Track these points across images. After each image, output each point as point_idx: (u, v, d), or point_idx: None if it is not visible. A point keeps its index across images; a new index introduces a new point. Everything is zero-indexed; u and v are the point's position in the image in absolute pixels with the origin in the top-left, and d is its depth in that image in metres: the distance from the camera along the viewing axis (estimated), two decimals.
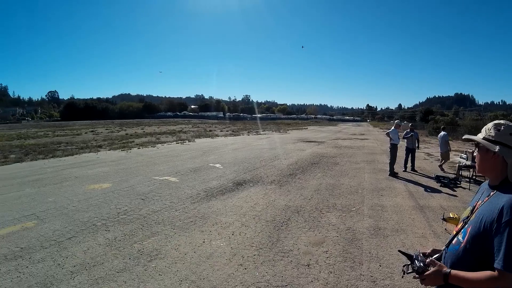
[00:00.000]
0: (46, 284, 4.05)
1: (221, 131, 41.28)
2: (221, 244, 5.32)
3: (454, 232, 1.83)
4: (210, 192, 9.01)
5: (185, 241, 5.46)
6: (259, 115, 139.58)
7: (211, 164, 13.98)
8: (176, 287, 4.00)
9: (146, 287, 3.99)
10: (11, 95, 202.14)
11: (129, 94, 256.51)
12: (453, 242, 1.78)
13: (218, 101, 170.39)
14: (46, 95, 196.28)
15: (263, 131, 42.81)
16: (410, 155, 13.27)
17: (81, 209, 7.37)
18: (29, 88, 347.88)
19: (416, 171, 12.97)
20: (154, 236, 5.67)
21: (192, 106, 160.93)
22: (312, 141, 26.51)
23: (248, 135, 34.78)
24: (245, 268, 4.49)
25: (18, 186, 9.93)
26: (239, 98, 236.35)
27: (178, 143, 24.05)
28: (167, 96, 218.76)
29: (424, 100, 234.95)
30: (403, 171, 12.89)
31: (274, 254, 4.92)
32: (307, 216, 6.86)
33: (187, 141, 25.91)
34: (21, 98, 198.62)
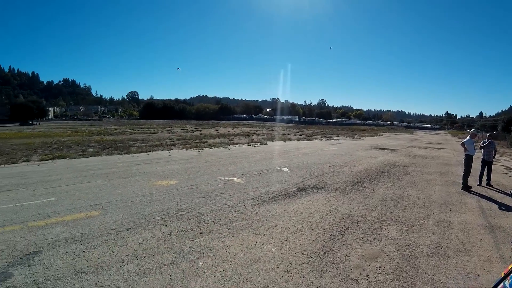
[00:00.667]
0: (97, 269, 4.51)
1: (294, 135, 41.67)
2: (272, 249, 5.39)
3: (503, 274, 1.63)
4: (272, 195, 9.15)
5: (237, 242, 5.64)
6: (334, 120, 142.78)
7: (278, 168, 14.21)
8: (217, 286, 4.16)
9: (189, 282, 4.21)
10: (94, 95, 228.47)
11: (206, 96, 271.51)
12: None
13: (294, 105, 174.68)
14: (126, 95, 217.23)
15: (336, 136, 42.49)
16: (486, 168, 12.29)
17: (144, 203, 8.02)
18: (111, 88, 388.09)
19: (492, 186, 11.97)
20: (208, 235, 5.96)
21: (268, 109, 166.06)
22: (385, 149, 25.82)
23: (321, 140, 34.68)
24: (291, 276, 4.48)
25: (90, 178, 11.17)
26: (314, 103, 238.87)
27: (250, 145, 24.83)
28: (243, 99, 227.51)
29: (507, 108, 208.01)
30: (478, 185, 12.03)
31: (324, 264, 4.85)
32: (366, 227, 6.65)
33: (259, 143, 26.62)
34: (103, 97, 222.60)
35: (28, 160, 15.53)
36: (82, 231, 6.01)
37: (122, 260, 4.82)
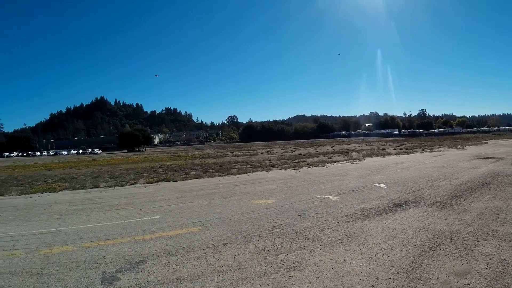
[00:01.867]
0: (195, 277, 5.11)
1: (394, 149, 39.94)
2: (360, 264, 5.48)
3: None
4: (367, 212, 9.11)
5: (326, 257, 5.85)
6: (436, 130, 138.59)
7: (375, 184, 13.96)
8: None
9: None
10: (195, 121, 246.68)
11: (303, 115, 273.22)
12: None
13: (393, 118, 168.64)
14: (226, 119, 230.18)
15: (438, 147, 39.63)
16: None
17: (242, 220, 8.67)
18: (211, 113, 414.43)
19: None
20: (299, 250, 6.28)
21: (366, 124, 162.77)
22: (490, 158, 23.42)
23: (422, 152, 32.72)
24: None
25: (193, 198, 12.34)
26: (414, 113, 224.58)
27: (348, 163, 24.59)
28: (341, 116, 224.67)
29: None
30: None
31: (410, 280, 4.82)
32: (459, 243, 6.31)
33: (357, 160, 26.23)
34: (203, 122, 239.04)
35: (135, 183, 17.63)
36: (183, 245, 6.80)
37: (218, 270, 5.40)
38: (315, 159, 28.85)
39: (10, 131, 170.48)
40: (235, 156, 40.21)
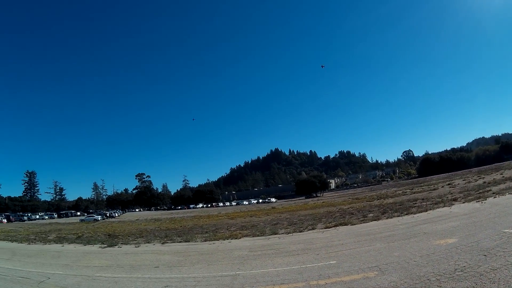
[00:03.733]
0: None
1: None
2: None
3: None
4: None
5: None
6: None
7: None
8: None
9: None
10: (370, 161, 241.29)
11: (483, 137, 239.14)
12: None
13: None
14: (401, 155, 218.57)
15: None
16: None
17: (420, 264, 8.28)
18: (385, 151, 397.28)
19: None
20: None
21: None
22: None
23: None
24: None
25: (370, 242, 12.14)
26: None
27: None
28: None
29: None
30: None
31: None
32: None
33: None
34: (378, 161, 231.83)
35: (313, 229, 18.05)
36: None
37: None
38: (501, 186, 25.55)
39: (195, 186, 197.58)
40: (414, 193, 37.84)
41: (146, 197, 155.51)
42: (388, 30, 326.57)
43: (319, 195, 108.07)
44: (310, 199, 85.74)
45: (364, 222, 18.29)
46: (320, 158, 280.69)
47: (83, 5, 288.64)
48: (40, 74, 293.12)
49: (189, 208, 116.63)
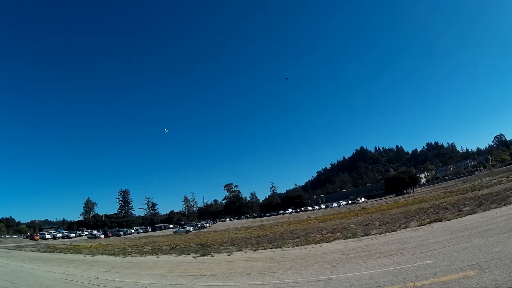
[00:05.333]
0: None
1: None
2: None
3: None
4: None
5: None
6: None
7: None
8: None
9: None
10: (459, 150, 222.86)
11: None
12: None
13: None
14: (493, 141, 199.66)
15: None
16: None
17: None
18: (474, 138, 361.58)
19: None
20: None
21: None
22: None
23: None
24: None
25: (467, 238, 11.36)
26: None
27: None
28: None
29: None
30: None
31: None
32: None
33: None
34: (469, 150, 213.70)
35: (406, 227, 17.27)
36: None
37: None
38: None
39: (283, 192, 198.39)
40: (511, 181, 34.22)
41: (235, 206, 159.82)
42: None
43: (409, 191, 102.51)
44: (400, 197, 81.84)
45: (459, 217, 17.12)
46: (407, 152, 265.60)
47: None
48: (128, 100, 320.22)
49: (278, 214, 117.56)
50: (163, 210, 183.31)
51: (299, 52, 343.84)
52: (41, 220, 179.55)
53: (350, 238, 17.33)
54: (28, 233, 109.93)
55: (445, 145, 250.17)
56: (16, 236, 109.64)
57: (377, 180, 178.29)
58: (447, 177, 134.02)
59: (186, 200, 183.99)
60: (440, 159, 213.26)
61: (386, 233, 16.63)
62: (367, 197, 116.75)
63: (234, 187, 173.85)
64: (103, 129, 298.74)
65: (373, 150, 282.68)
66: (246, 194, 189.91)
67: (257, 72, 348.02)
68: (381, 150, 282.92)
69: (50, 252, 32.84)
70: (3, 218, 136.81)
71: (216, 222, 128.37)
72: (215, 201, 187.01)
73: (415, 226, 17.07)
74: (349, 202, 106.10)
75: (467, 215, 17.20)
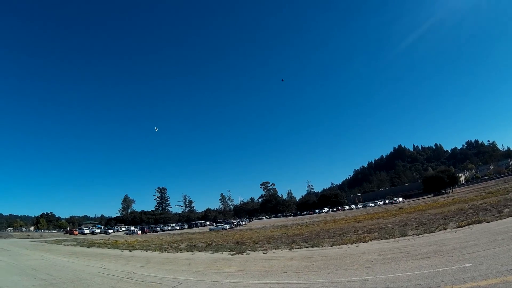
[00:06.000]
0: None
1: None
2: None
3: None
4: None
5: None
6: None
7: None
8: None
9: None
10: (500, 149, 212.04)
11: None
12: None
13: None
14: None
15: None
16: None
17: None
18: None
19: None
20: None
21: None
22: None
23: None
24: None
25: (508, 241, 11.07)
26: None
27: None
28: None
29: None
30: None
31: None
32: None
33: None
34: (510, 149, 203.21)
35: (444, 228, 16.77)
36: None
37: None
38: None
39: (319, 191, 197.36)
40: None
41: (271, 204, 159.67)
42: None
43: (448, 191, 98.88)
44: (439, 196, 79.18)
45: (500, 219, 16.51)
46: (446, 151, 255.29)
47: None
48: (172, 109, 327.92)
49: (314, 213, 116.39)
50: (199, 207, 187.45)
51: (332, 45, 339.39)
52: (80, 216, 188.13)
53: (387, 238, 17.03)
54: (68, 228, 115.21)
55: (486, 143, 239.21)
56: (56, 231, 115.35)
57: (415, 179, 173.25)
58: (487, 177, 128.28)
59: (222, 198, 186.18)
60: (480, 157, 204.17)
61: (424, 234, 16.19)
62: (405, 197, 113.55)
63: (271, 185, 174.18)
64: (141, 128, 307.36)
65: (411, 148, 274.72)
66: (282, 193, 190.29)
67: (296, 68, 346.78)
68: (419, 148, 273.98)
69: (88, 246, 34.28)
70: (43, 213, 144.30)
71: (252, 220, 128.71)
72: (251, 199, 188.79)
73: (454, 228, 16.55)
74: (386, 201, 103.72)
75: (508, 216, 16.57)
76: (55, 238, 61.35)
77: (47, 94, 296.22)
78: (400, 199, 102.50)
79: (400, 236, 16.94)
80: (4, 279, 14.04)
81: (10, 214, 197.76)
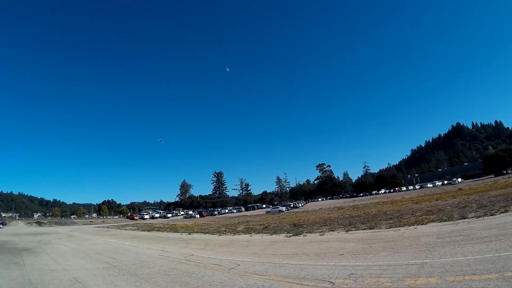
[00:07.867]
0: None
1: None
2: None
3: None
4: None
5: None
6: None
7: None
8: None
9: None
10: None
11: None
12: None
13: None
14: None
15: None
16: None
17: None
18: None
19: None
20: None
21: None
22: None
23: None
24: None
25: None
26: None
27: None
28: None
29: None
30: None
31: None
32: None
33: None
34: None
35: (506, 211, 15.82)
36: None
37: None
38: None
39: (376, 171, 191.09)
40: None
41: (327, 186, 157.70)
42: None
43: (510, 171, 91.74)
44: (500, 177, 73.97)
45: None
46: (508, 128, 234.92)
47: None
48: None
49: (371, 194, 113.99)
50: (256, 190, 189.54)
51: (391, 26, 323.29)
52: (140, 201, 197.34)
53: (445, 221, 16.28)
54: (128, 214, 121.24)
55: None
56: (117, 217, 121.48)
57: (475, 158, 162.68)
58: None
59: (278, 181, 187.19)
60: None
61: (484, 217, 15.32)
62: (464, 177, 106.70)
63: (327, 167, 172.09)
64: (199, 114, 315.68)
65: (470, 126, 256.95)
66: (338, 174, 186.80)
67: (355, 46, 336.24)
68: (479, 125, 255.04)
69: (148, 231, 35.83)
70: (105, 200, 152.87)
71: (308, 202, 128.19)
72: (307, 181, 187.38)
73: None
74: (445, 182, 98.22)
75: None
76: (116, 224, 65.05)
77: (110, 95, 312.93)
78: (459, 179, 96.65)
79: (459, 219, 16.10)
80: (69, 263, 14.84)
81: (73, 203, 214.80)
